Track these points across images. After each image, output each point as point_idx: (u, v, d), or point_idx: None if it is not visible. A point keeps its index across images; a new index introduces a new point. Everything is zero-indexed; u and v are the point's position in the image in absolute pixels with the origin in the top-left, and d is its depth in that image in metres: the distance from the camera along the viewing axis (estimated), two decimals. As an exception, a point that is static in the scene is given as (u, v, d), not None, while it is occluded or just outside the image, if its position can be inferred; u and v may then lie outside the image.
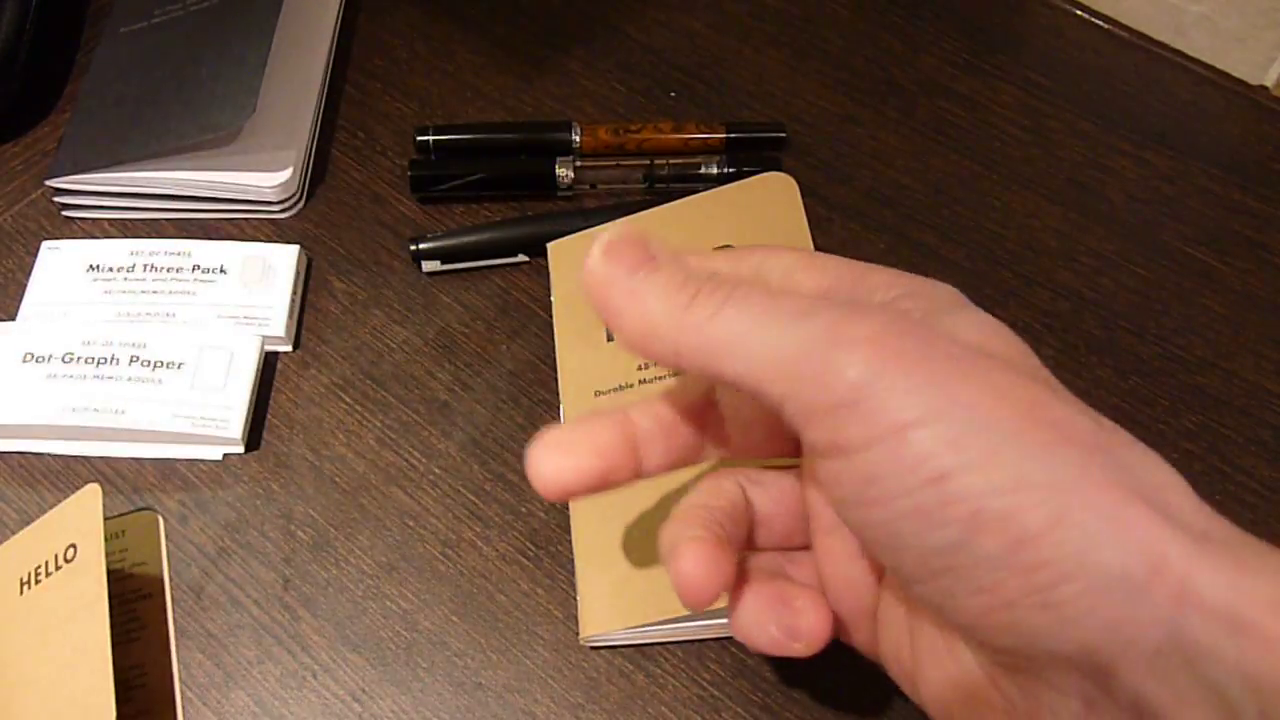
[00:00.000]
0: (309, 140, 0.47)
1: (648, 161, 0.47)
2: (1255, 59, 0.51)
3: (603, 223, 0.45)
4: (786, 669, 0.36)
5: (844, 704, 0.35)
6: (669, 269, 0.22)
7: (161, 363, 0.40)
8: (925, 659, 0.23)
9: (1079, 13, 0.55)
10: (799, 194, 0.42)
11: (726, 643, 0.36)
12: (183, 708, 0.34)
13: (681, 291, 0.21)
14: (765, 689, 0.35)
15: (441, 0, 0.54)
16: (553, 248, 0.44)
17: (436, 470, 0.40)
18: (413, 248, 0.44)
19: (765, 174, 0.43)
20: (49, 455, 0.40)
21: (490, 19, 0.54)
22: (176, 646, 0.36)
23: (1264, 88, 0.52)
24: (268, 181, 0.45)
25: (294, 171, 0.45)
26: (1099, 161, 0.49)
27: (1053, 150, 0.49)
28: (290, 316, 0.43)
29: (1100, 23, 0.55)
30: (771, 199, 0.42)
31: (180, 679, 0.35)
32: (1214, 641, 0.18)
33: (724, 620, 0.35)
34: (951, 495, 0.19)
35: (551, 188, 0.47)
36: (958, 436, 0.19)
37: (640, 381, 0.39)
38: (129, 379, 0.40)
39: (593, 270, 0.23)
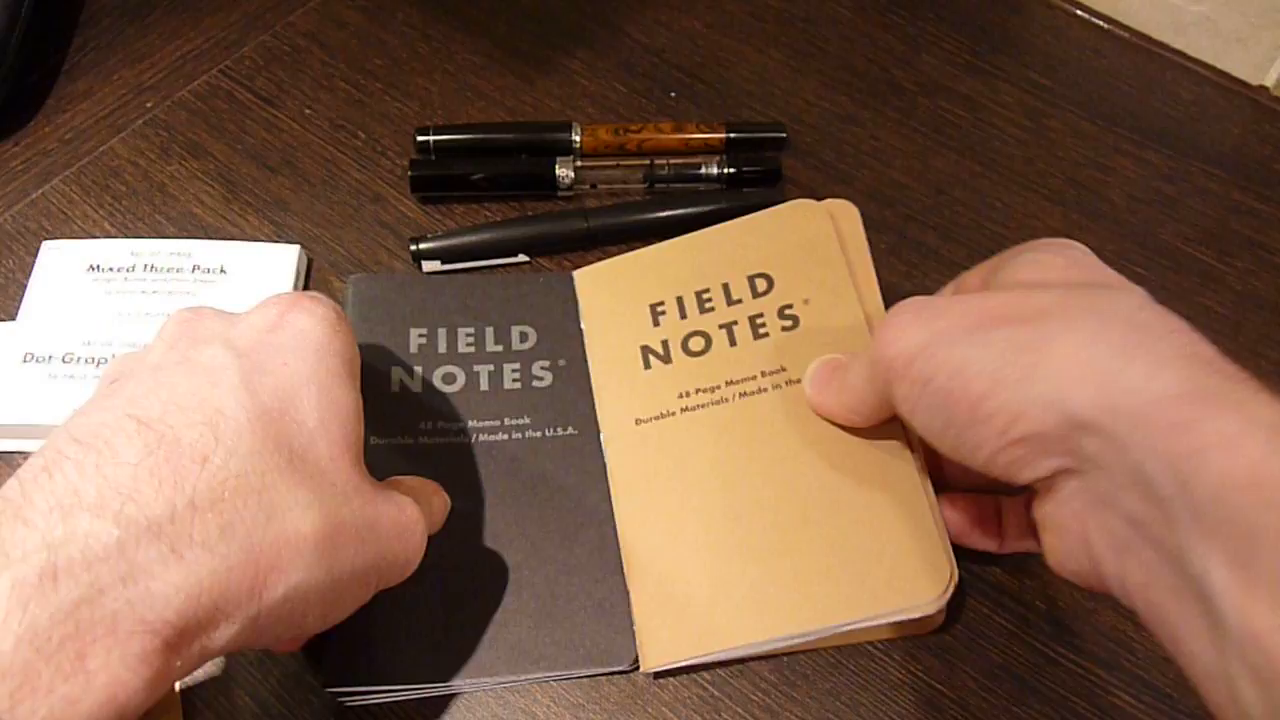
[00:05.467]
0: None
1: (648, 161, 0.47)
2: (1255, 59, 0.51)
3: (604, 221, 0.45)
4: (787, 669, 0.36)
5: (844, 704, 0.35)
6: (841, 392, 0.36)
7: (162, 363, 0.40)
8: (1044, 537, 0.31)
9: (1079, 13, 0.55)
10: (829, 222, 0.41)
11: (727, 643, 0.36)
12: (183, 708, 0.34)
13: (846, 396, 0.35)
14: (765, 689, 0.35)
15: (441, 0, 0.54)
16: (579, 276, 0.43)
17: (437, 470, 0.40)
18: (413, 248, 0.44)
19: (796, 202, 0.42)
20: (49, 455, 0.40)
21: (490, 19, 0.54)
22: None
23: (1264, 88, 0.52)
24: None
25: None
26: (1099, 161, 0.49)
27: (1053, 150, 0.49)
28: (290, 316, 0.43)
29: (1100, 23, 0.55)
30: (801, 226, 0.41)
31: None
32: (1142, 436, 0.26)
33: (778, 642, 0.34)
34: (933, 391, 0.29)
35: (551, 188, 0.47)
36: (933, 356, 0.29)
37: (683, 410, 0.38)
38: (129, 379, 0.40)
39: (809, 398, 0.37)
